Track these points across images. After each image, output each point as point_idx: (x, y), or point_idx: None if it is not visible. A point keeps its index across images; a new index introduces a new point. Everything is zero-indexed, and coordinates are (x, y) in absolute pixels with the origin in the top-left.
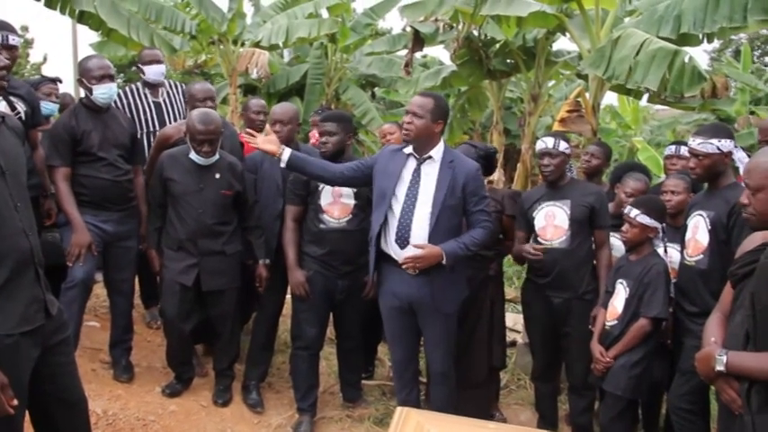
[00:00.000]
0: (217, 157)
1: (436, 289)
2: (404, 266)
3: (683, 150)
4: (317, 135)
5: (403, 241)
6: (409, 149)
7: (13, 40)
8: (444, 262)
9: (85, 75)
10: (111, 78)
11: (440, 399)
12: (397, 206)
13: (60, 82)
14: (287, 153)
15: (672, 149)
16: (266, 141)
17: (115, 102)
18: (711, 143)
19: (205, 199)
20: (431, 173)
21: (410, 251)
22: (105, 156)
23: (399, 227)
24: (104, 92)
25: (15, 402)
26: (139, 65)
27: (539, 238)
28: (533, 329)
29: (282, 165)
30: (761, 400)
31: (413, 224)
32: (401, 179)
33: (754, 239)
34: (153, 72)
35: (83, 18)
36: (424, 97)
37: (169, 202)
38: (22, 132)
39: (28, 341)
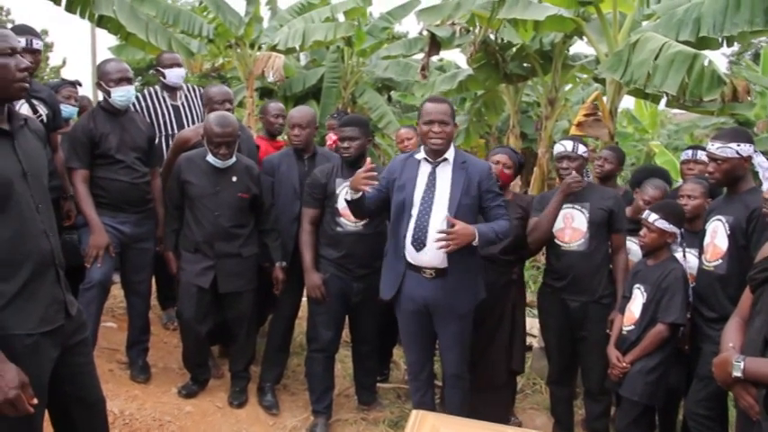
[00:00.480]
0: (234, 159)
1: (451, 289)
2: (437, 242)
3: (700, 155)
4: (332, 138)
5: (419, 244)
6: (422, 155)
7: (36, 44)
8: (476, 242)
9: (104, 78)
10: (129, 81)
11: (454, 401)
12: (414, 210)
13: (80, 85)
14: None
15: (688, 154)
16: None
17: (134, 105)
18: (730, 147)
19: (222, 201)
20: (445, 175)
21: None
22: (123, 158)
23: (416, 229)
24: (122, 95)
25: (35, 401)
26: (159, 68)
27: (556, 240)
28: (549, 333)
29: (347, 197)
30: None
31: (429, 226)
32: (417, 185)
33: None
34: (173, 75)
35: (102, 22)
36: (441, 103)
37: (186, 205)
38: (44, 135)
39: (48, 341)
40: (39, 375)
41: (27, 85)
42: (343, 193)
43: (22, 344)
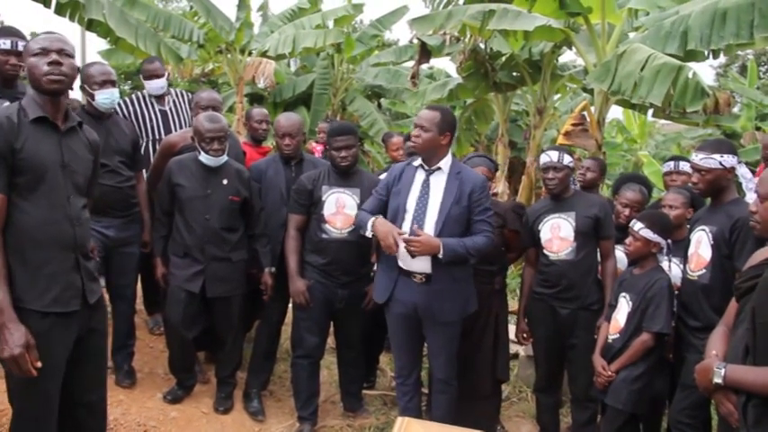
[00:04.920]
0: (225, 158)
1: (438, 296)
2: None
3: (683, 166)
4: (318, 148)
5: None
6: (418, 161)
7: (22, 46)
8: (441, 255)
9: (87, 81)
10: (112, 84)
11: (441, 407)
12: (408, 216)
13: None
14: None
15: (671, 165)
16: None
17: (121, 109)
18: (714, 158)
19: (212, 204)
20: (439, 183)
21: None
22: (107, 162)
23: (410, 236)
24: (106, 97)
25: (39, 364)
26: (142, 77)
27: (545, 251)
28: (538, 340)
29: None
30: (757, 413)
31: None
32: (411, 191)
33: (760, 254)
34: (153, 87)
35: (92, 26)
36: (431, 111)
37: (176, 209)
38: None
39: (62, 325)
40: (50, 355)
41: (57, 77)
42: (327, 202)
43: (36, 322)
